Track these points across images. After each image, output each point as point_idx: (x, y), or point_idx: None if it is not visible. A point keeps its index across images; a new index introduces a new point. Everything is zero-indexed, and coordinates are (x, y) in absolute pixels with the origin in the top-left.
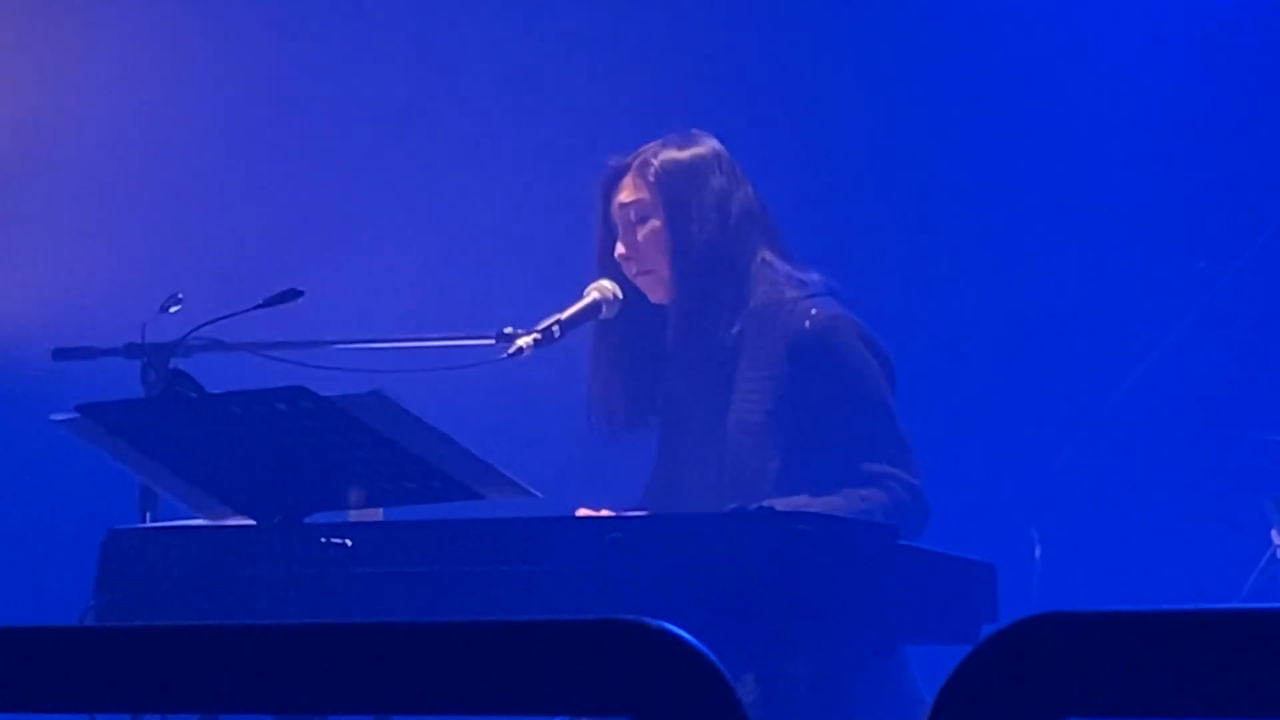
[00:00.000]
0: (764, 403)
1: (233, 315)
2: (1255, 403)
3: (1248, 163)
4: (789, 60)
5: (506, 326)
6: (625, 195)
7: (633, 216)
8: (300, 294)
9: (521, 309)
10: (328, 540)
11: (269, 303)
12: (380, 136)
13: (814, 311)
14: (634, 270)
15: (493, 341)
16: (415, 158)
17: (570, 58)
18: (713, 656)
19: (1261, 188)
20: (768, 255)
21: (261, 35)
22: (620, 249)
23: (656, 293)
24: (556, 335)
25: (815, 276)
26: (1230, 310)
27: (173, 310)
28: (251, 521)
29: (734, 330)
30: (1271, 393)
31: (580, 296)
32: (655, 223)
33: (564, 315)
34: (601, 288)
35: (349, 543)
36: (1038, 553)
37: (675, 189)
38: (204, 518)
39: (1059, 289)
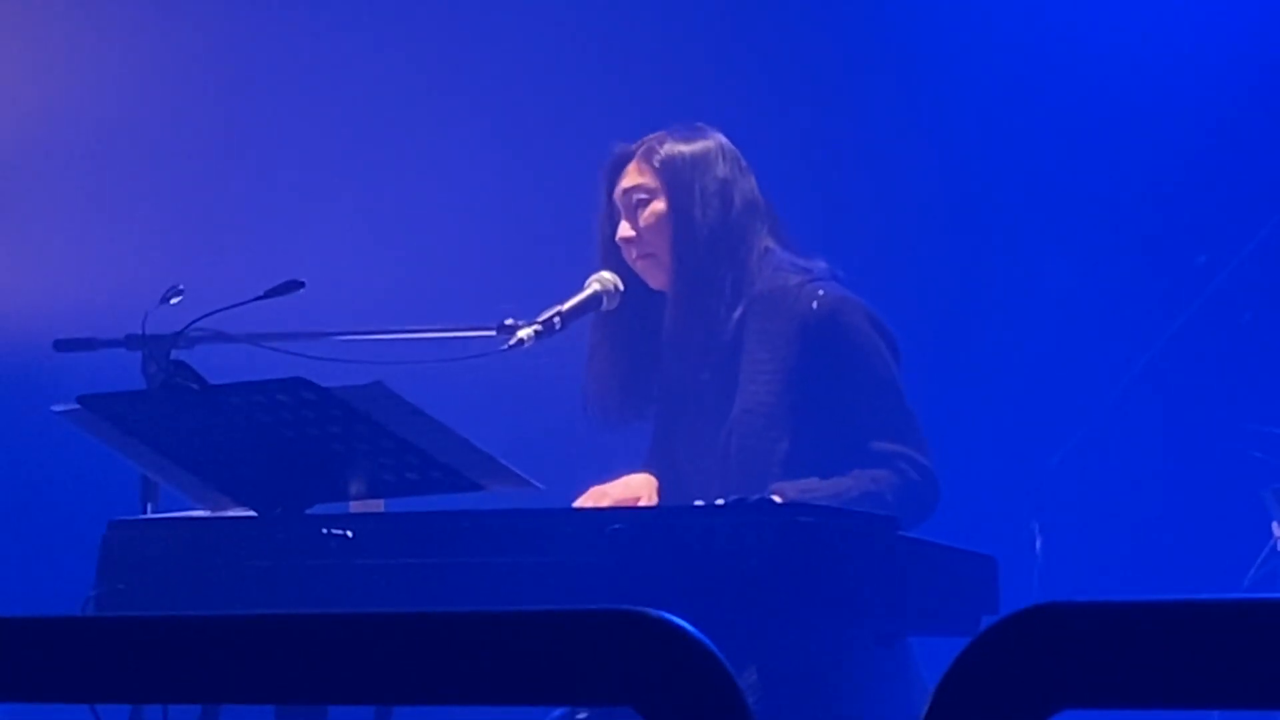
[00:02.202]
0: (772, 384)
1: (234, 306)
2: (1255, 396)
3: (1247, 158)
4: (792, 55)
5: (507, 318)
6: (629, 180)
7: (635, 200)
8: (301, 285)
9: (522, 300)
10: (329, 531)
11: (270, 294)
12: (381, 128)
13: (821, 293)
14: (634, 254)
15: (494, 333)
16: (417, 149)
17: (572, 49)
18: (713, 647)
19: (1261, 183)
20: (770, 244)
21: (262, 28)
22: (622, 232)
23: (657, 278)
24: (557, 327)
25: (820, 263)
26: (1231, 304)
27: (173, 302)
28: (252, 513)
29: (735, 315)
30: (1271, 386)
31: (581, 288)
32: (658, 206)
33: (565, 307)
34: (602, 279)
35: (350, 534)
36: (1039, 545)
37: (679, 174)
38: (205, 509)
39: (1060, 282)
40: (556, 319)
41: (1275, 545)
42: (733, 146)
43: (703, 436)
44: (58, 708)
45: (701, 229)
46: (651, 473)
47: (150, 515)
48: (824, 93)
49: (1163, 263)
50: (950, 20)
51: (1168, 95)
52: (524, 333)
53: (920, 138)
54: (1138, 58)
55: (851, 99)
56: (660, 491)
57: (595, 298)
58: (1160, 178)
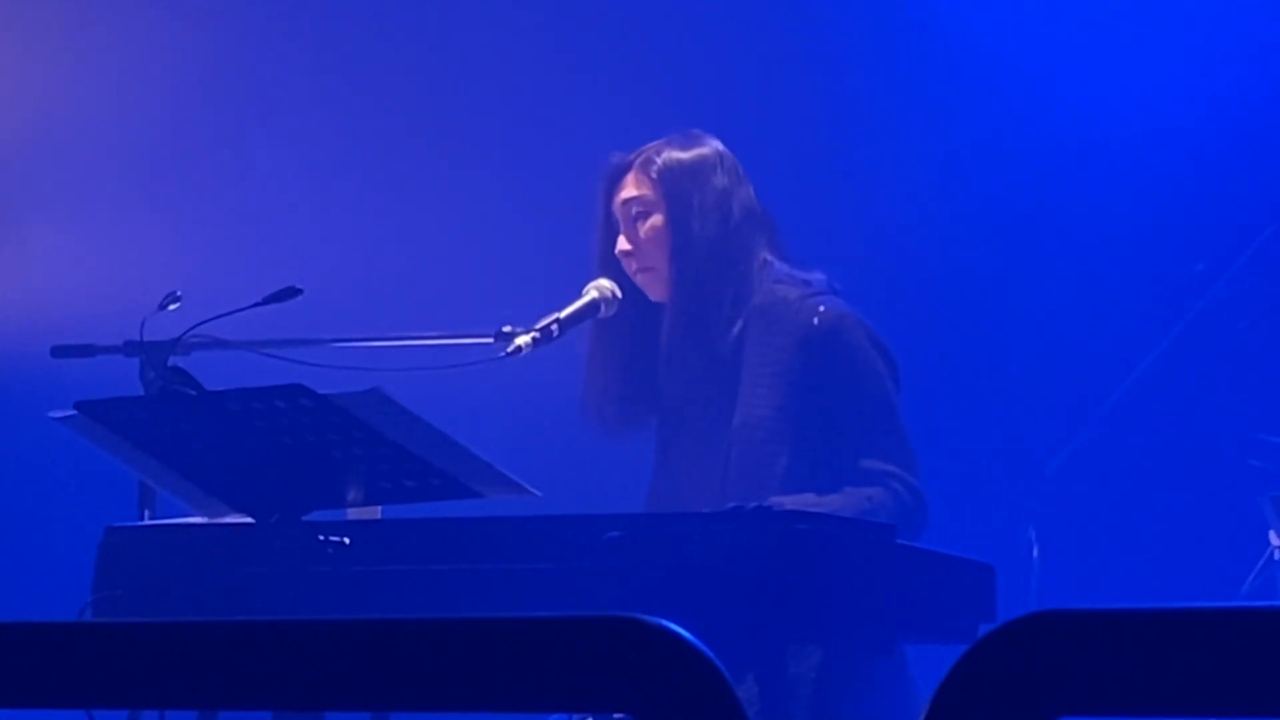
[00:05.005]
0: (772, 399)
1: (231, 313)
2: (1253, 403)
3: (1246, 164)
4: (788, 61)
5: (505, 325)
6: (627, 192)
7: (634, 213)
8: (299, 292)
9: (520, 307)
10: (326, 538)
11: (268, 300)
12: (378, 134)
13: (822, 309)
14: (634, 267)
15: (491, 340)
16: (414, 156)
17: (570, 56)
18: (710, 654)
19: (1259, 189)
20: (768, 256)
21: (263, 32)
22: (621, 245)
23: (656, 290)
24: (555, 334)
25: (819, 276)
26: (1228, 311)
27: (171, 308)
28: (250, 519)
29: (735, 329)
30: (1270, 394)
31: (579, 295)
32: (657, 219)
33: (563, 314)
34: (600, 287)
35: (347, 541)
36: (1036, 553)
37: (677, 186)
38: (202, 515)
39: (1058, 289)
40: (554, 326)
41: (1273, 553)
42: (731, 154)
43: (702, 450)
44: (55, 713)
45: (700, 242)
46: (656, 486)
47: (148, 521)
48: (820, 98)
49: (1160, 269)
50: (950, 27)
51: (1166, 101)
52: (522, 340)
53: (916, 143)
54: (1136, 65)
55: (849, 105)
56: (665, 505)
57: (593, 305)
58: (1158, 184)
